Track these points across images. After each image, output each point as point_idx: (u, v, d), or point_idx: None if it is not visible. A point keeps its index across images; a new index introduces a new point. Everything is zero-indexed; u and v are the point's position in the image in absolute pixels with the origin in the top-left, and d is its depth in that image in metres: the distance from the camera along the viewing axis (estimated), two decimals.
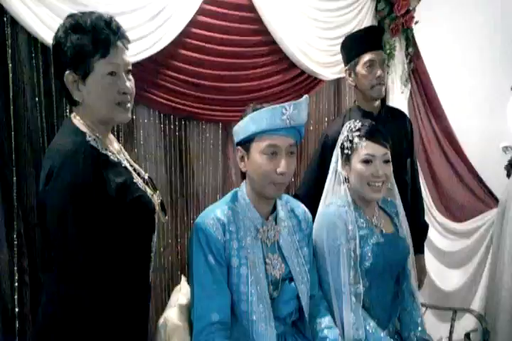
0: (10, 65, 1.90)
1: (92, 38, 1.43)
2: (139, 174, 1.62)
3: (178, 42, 2.24)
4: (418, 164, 3.16)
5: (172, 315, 1.64)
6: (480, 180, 3.35)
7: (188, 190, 2.39)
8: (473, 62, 3.40)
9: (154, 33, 2.14)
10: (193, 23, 2.26)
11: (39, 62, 1.96)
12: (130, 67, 1.53)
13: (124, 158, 1.60)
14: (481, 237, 3.35)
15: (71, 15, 1.48)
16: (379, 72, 2.27)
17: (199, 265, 1.61)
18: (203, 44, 2.31)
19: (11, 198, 1.92)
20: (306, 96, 1.66)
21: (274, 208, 1.75)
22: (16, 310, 1.96)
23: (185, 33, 2.24)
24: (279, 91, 2.58)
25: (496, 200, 3.39)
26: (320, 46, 2.67)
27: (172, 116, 2.34)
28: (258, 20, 2.46)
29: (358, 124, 1.89)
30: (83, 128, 1.49)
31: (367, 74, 2.29)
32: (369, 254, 1.83)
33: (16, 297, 1.96)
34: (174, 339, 1.59)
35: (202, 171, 2.44)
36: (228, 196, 1.76)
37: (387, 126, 2.36)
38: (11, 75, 1.91)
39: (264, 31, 2.49)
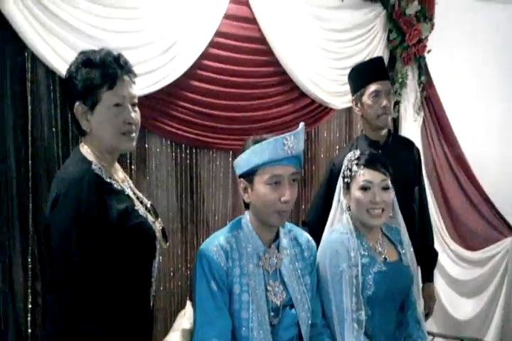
0: (29, 98, 2.01)
1: (101, 71, 1.53)
2: (141, 202, 1.68)
3: (190, 74, 2.34)
4: (430, 191, 3.18)
5: (174, 339, 1.67)
6: (494, 208, 3.34)
7: (198, 217, 2.46)
8: (486, 89, 3.43)
9: (167, 65, 2.24)
10: (204, 55, 2.35)
11: (56, 95, 2.07)
12: (136, 100, 1.61)
13: (128, 186, 1.67)
14: (495, 266, 3.31)
15: (83, 52, 1.59)
16: (384, 102, 2.32)
17: (202, 291, 1.65)
18: (215, 75, 2.41)
19: (27, 223, 2.01)
20: (302, 124, 1.72)
21: (277, 236, 1.78)
22: (29, 331, 2.02)
23: (197, 65, 2.34)
24: (290, 120, 2.66)
25: (510, 228, 3.36)
26: (330, 76, 2.75)
27: (183, 145, 2.42)
28: (269, 51, 2.54)
29: (358, 153, 1.95)
30: (90, 157, 1.56)
31: (372, 104, 2.34)
32: (370, 283, 1.85)
33: (29, 319, 2.02)
34: None
35: (212, 198, 2.51)
36: (233, 223, 1.80)
37: (393, 155, 2.41)
38: (30, 107, 2.02)
39: (275, 62, 2.58)
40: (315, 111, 2.75)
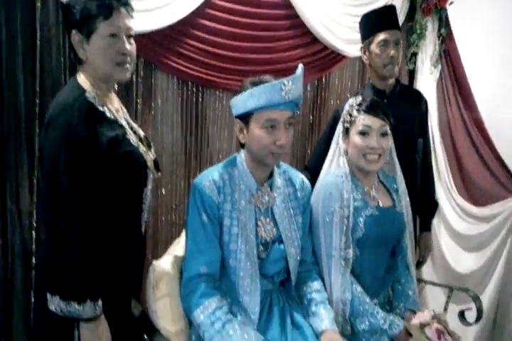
0: (38, 25, 2.07)
1: (98, 2, 1.58)
2: (135, 132, 1.75)
3: (199, 13, 2.34)
4: (442, 146, 3.16)
5: (163, 262, 1.77)
6: (505, 166, 3.29)
7: (202, 153, 2.53)
8: (510, 49, 3.29)
9: (176, 2, 2.23)
10: None
11: None
12: (132, 32, 1.67)
13: (122, 117, 1.73)
14: (500, 223, 3.30)
15: None
16: (392, 52, 2.30)
17: (193, 222, 1.74)
18: (225, 15, 2.41)
19: (34, 147, 2.10)
20: (300, 66, 1.73)
21: (271, 175, 1.84)
22: (33, 247, 2.14)
23: (207, 4, 2.33)
24: (303, 64, 2.60)
25: None
26: (345, 22, 2.71)
27: (190, 83, 2.45)
28: None
29: (359, 99, 1.96)
30: (85, 85, 1.64)
31: (380, 53, 2.32)
32: (361, 225, 1.91)
33: (33, 236, 2.14)
34: (162, 284, 1.73)
35: (216, 136, 2.56)
36: (228, 160, 1.87)
37: (399, 105, 2.43)
38: (38, 34, 2.07)
39: (287, 5, 2.54)
40: (327, 57, 2.72)
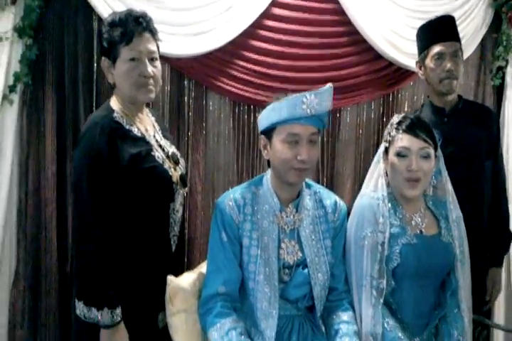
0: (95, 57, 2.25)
1: (121, 30, 1.72)
2: (163, 149, 1.84)
3: (249, 34, 2.37)
4: None
5: (181, 278, 1.77)
6: None
7: (255, 172, 2.53)
8: None
9: (225, 24, 2.30)
10: (265, 15, 2.37)
11: None
12: (155, 55, 1.78)
13: (151, 135, 1.83)
14: None
15: (112, 14, 1.82)
16: (448, 65, 2.12)
17: (214, 241, 1.75)
18: (277, 35, 2.41)
19: None
20: (329, 84, 1.68)
21: (299, 196, 1.79)
22: None
23: (257, 25, 2.36)
24: (362, 81, 2.56)
25: None
26: (409, 36, 2.52)
27: (242, 103, 2.48)
28: (338, 10, 2.46)
29: (400, 117, 1.82)
30: (115, 106, 1.79)
31: (435, 67, 2.16)
32: (397, 254, 1.76)
33: None
34: (177, 300, 1.72)
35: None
36: (254, 179, 1.86)
37: (461, 124, 2.23)
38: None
39: (345, 22, 2.49)
40: (393, 74, 2.60)
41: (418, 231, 1.82)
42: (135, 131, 1.76)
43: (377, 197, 1.85)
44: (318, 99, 1.64)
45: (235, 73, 2.39)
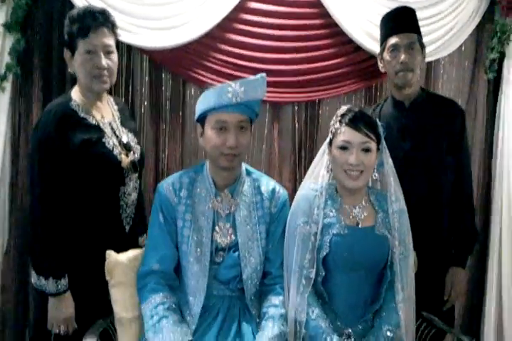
0: None
1: (78, 24, 1.89)
2: (117, 137, 2.01)
3: (225, 27, 2.45)
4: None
5: (121, 254, 1.90)
6: None
7: None
8: None
9: (199, 18, 2.40)
10: (241, 8, 2.44)
11: None
12: (111, 49, 1.94)
13: (107, 123, 2.00)
14: None
15: (73, 10, 1.99)
16: (402, 57, 2.12)
17: (152, 221, 1.90)
18: (252, 28, 2.48)
19: None
20: (260, 75, 1.78)
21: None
22: None
23: (233, 18, 2.44)
24: (342, 73, 2.56)
25: None
26: None
27: None
28: (316, 3, 2.48)
29: (345, 110, 1.84)
30: (74, 95, 1.98)
31: (390, 59, 2.17)
32: (327, 243, 1.81)
33: None
34: (116, 273, 1.87)
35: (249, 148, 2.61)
36: (196, 166, 2.01)
37: (421, 117, 2.22)
38: None
39: (323, 14, 2.50)
40: (375, 66, 2.48)
41: (354, 224, 1.85)
42: (89, 118, 1.95)
43: (316, 188, 1.90)
44: (244, 88, 1.74)
45: (212, 65, 2.48)
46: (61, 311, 1.91)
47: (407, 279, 1.88)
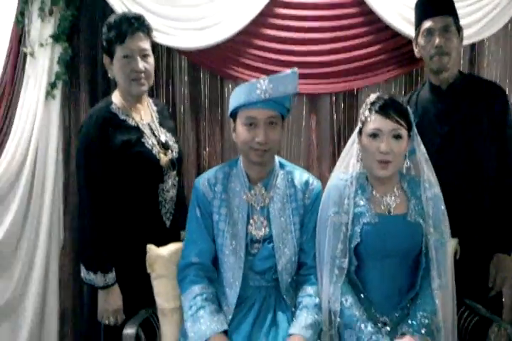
0: None
1: (115, 31, 2.02)
2: (156, 136, 2.12)
3: (258, 22, 2.49)
4: None
5: (162, 247, 1.98)
6: None
7: None
8: None
9: (233, 16, 2.46)
10: (274, 2, 2.47)
11: None
12: (147, 52, 2.05)
13: (146, 124, 2.11)
14: None
15: (110, 17, 2.10)
16: (437, 41, 2.07)
17: (190, 216, 1.98)
18: (287, 22, 2.50)
19: None
20: (292, 69, 1.83)
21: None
22: None
23: (266, 13, 2.48)
24: (379, 61, 2.53)
25: None
26: None
27: None
28: None
29: (374, 97, 1.85)
30: (114, 99, 2.12)
31: (425, 44, 2.13)
32: (358, 233, 1.83)
33: None
34: (157, 266, 1.96)
35: (286, 139, 2.64)
36: (230, 161, 2.08)
37: (459, 102, 2.16)
38: None
39: (359, 2, 2.48)
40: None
41: (386, 212, 1.85)
42: (129, 120, 2.08)
43: (346, 178, 1.92)
44: (273, 84, 1.79)
45: (248, 61, 2.53)
46: (109, 303, 2.03)
47: (444, 266, 1.85)
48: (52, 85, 2.50)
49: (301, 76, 2.42)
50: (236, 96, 1.85)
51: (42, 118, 2.51)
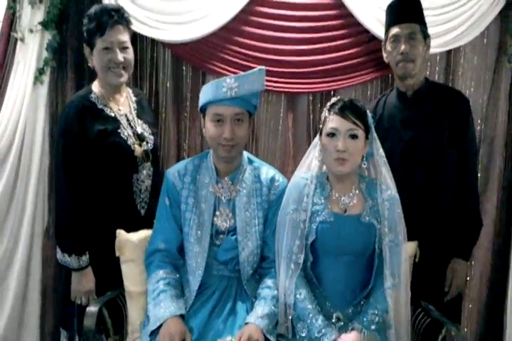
0: None
1: (96, 22, 2.10)
2: (132, 127, 2.22)
3: (241, 20, 2.56)
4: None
5: (133, 233, 2.11)
6: None
7: (249, 148, 2.71)
8: None
9: (215, 12, 2.53)
10: (256, 0, 2.55)
11: None
12: (126, 44, 2.15)
13: (123, 114, 2.21)
14: None
15: (91, 8, 2.17)
16: (403, 48, 2.15)
17: (160, 204, 2.10)
18: (267, 21, 2.57)
19: None
20: (259, 68, 1.94)
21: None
22: None
23: (248, 11, 2.55)
24: (356, 63, 2.60)
25: None
26: None
27: None
28: None
29: (335, 100, 1.96)
30: (94, 88, 2.22)
31: (391, 50, 2.21)
32: (313, 230, 1.94)
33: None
34: (126, 251, 2.09)
35: (263, 137, 2.74)
36: (201, 153, 2.19)
37: (422, 108, 2.23)
38: None
39: (338, 5, 2.54)
40: None
41: (342, 211, 1.96)
42: (107, 110, 2.18)
43: (307, 177, 2.03)
44: (239, 83, 1.89)
45: (229, 57, 2.61)
46: (82, 284, 2.16)
47: (398, 266, 1.95)
48: (41, 71, 2.58)
49: (280, 74, 2.62)
50: (205, 93, 1.95)
51: (29, 103, 2.59)
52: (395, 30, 2.15)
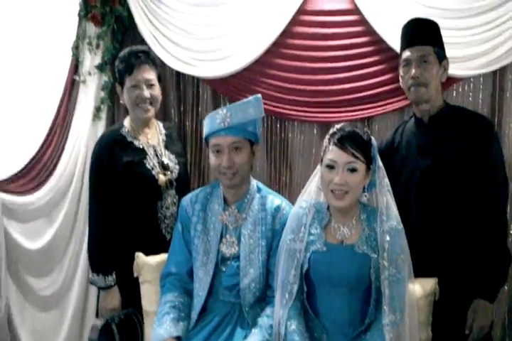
0: None
1: (125, 63, 2.37)
2: (158, 158, 2.43)
3: (273, 53, 2.66)
4: None
5: (152, 256, 2.26)
6: None
7: (282, 178, 2.79)
8: None
9: (247, 47, 2.67)
10: (286, 34, 2.63)
11: None
12: (152, 82, 2.39)
13: (151, 146, 2.42)
14: None
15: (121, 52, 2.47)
16: (413, 72, 2.06)
17: (175, 229, 2.24)
18: (299, 52, 2.63)
19: None
20: (254, 96, 2.03)
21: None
22: None
23: (279, 44, 2.65)
24: (391, 90, 2.54)
25: None
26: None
27: (271, 117, 2.79)
28: (361, 21, 2.54)
29: (336, 128, 1.92)
30: (125, 122, 2.49)
31: (403, 74, 2.13)
32: (307, 260, 1.93)
33: None
34: (144, 272, 2.24)
35: (297, 166, 2.78)
36: (214, 182, 2.29)
37: (440, 134, 2.12)
38: None
39: (369, 32, 2.54)
40: None
41: (339, 242, 1.92)
42: (136, 142, 2.41)
43: (305, 206, 2.03)
44: (231, 112, 1.99)
45: (262, 90, 2.68)
46: (108, 302, 2.37)
47: (399, 302, 1.84)
48: (98, 109, 2.92)
49: (313, 105, 2.68)
50: (205, 126, 2.07)
51: (89, 137, 2.92)
52: (406, 53, 2.09)
